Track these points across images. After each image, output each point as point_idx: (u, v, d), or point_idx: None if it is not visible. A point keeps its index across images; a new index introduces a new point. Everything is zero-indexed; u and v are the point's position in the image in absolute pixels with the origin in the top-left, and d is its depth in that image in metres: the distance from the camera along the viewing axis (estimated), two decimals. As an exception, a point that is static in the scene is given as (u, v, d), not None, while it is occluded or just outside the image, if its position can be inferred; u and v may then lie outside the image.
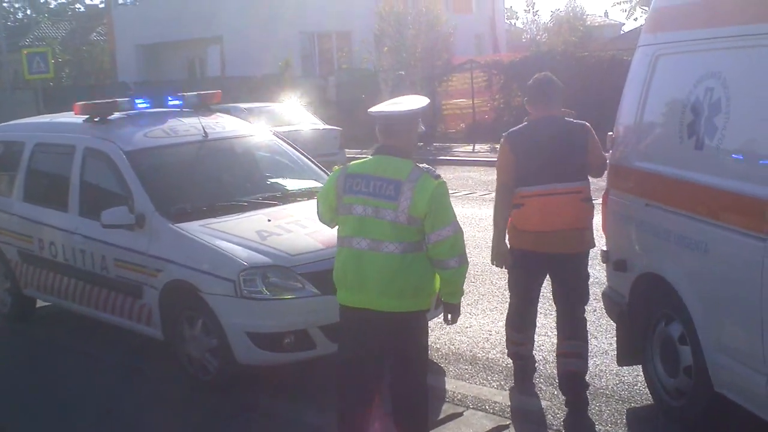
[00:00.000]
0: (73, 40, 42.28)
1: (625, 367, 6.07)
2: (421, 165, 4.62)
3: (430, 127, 19.25)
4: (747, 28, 4.69)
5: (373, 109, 4.67)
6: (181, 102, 8.21)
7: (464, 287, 4.80)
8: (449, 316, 4.79)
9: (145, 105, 8.05)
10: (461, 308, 4.85)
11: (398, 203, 4.46)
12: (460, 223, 4.61)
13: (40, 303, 8.72)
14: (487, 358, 6.71)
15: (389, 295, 4.52)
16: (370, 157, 4.70)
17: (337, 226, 4.78)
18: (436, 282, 4.66)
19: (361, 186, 4.57)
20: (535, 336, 7.06)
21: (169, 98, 8.22)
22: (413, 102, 4.72)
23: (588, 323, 7.20)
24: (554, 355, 6.61)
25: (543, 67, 23.53)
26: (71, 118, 8.23)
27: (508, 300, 8.07)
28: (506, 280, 8.75)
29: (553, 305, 7.83)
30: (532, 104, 5.86)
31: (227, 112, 9.83)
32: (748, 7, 4.78)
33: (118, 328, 7.37)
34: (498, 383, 6.21)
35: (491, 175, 17.58)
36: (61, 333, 8.36)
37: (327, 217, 4.82)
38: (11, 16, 59.66)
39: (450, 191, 4.69)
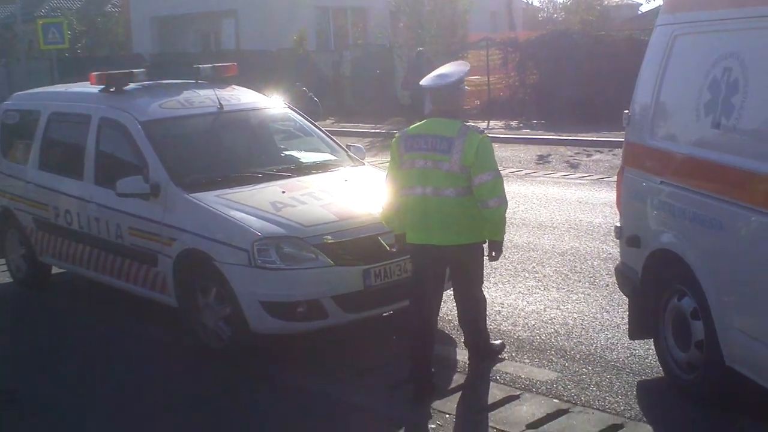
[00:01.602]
0: (89, 11, 42.15)
1: (636, 341, 6.09)
2: (467, 124, 5.58)
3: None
4: (766, 8, 4.67)
5: (422, 82, 5.66)
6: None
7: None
8: (493, 252, 5.70)
9: None
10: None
11: (451, 156, 5.45)
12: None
13: (55, 270, 8.78)
14: (499, 329, 6.73)
15: (450, 232, 5.53)
16: (425, 120, 5.69)
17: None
18: None
19: (420, 144, 5.55)
20: (547, 310, 7.13)
21: None
22: (455, 71, 5.65)
23: (600, 297, 7.31)
24: (565, 328, 6.66)
25: (559, 46, 23.39)
26: (87, 87, 8.26)
27: (520, 274, 8.16)
28: (519, 255, 8.81)
29: (566, 279, 7.91)
30: None
31: None
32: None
33: (133, 296, 7.42)
34: (509, 354, 6.23)
35: (506, 152, 17.59)
36: (75, 300, 8.43)
37: (392, 173, 5.72)
38: (26, -14, 59.51)
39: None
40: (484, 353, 6.12)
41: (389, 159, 5.79)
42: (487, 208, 5.49)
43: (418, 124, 5.74)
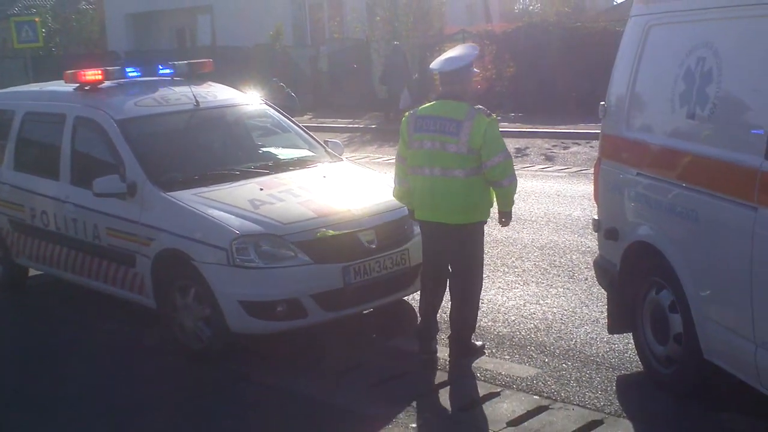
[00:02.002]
0: (63, 9, 41.77)
1: (615, 335, 6.11)
2: (475, 106, 5.71)
3: (423, 97, 19.18)
4: (739, -2, 4.70)
5: (432, 66, 5.88)
6: (171, 71, 8.17)
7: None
8: (503, 220, 6.03)
9: (135, 74, 8.01)
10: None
11: (459, 138, 5.63)
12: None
13: (32, 272, 8.70)
14: (479, 326, 6.71)
15: (457, 211, 5.76)
16: (434, 101, 5.88)
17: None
18: (490, 197, 5.88)
19: (429, 125, 5.75)
20: (527, 305, 7.15)
21: (160, 67, 8.18)
22: (465, 54, 5.84)
23: (579, 291, 7.33)
24: (545, 323, 6.67)
25: (535, 38, 23.29)
26: (61, 86, 8.19)
27: (500, 269, 8.17)
28: (498, 250, 8.81)
29: (545, 274, 7.91)
30: None
31: None
32: (740, -24, 4.77)
33: (111, 298, 7.37)
34: (489, 350, 6.24)
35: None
36: (53, 302, 8.35)
37: (401, 152, 5.99)
38: (-1, -16, 58.88)
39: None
40: (466, 351, 6.09)
41: (399, 138, 6.04)
42: (502, 187, 5.77)
43: (428, 104, 5.94)
